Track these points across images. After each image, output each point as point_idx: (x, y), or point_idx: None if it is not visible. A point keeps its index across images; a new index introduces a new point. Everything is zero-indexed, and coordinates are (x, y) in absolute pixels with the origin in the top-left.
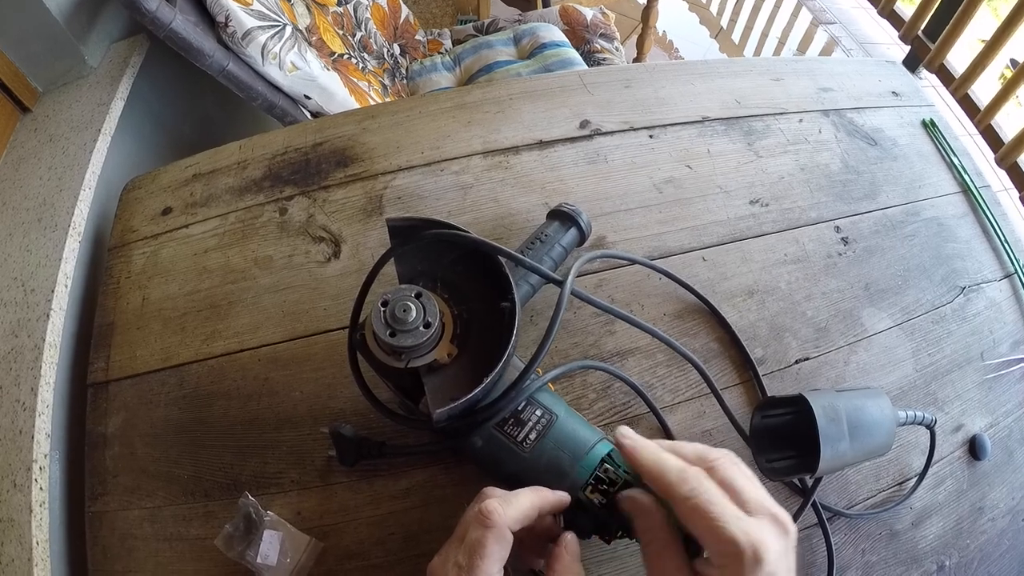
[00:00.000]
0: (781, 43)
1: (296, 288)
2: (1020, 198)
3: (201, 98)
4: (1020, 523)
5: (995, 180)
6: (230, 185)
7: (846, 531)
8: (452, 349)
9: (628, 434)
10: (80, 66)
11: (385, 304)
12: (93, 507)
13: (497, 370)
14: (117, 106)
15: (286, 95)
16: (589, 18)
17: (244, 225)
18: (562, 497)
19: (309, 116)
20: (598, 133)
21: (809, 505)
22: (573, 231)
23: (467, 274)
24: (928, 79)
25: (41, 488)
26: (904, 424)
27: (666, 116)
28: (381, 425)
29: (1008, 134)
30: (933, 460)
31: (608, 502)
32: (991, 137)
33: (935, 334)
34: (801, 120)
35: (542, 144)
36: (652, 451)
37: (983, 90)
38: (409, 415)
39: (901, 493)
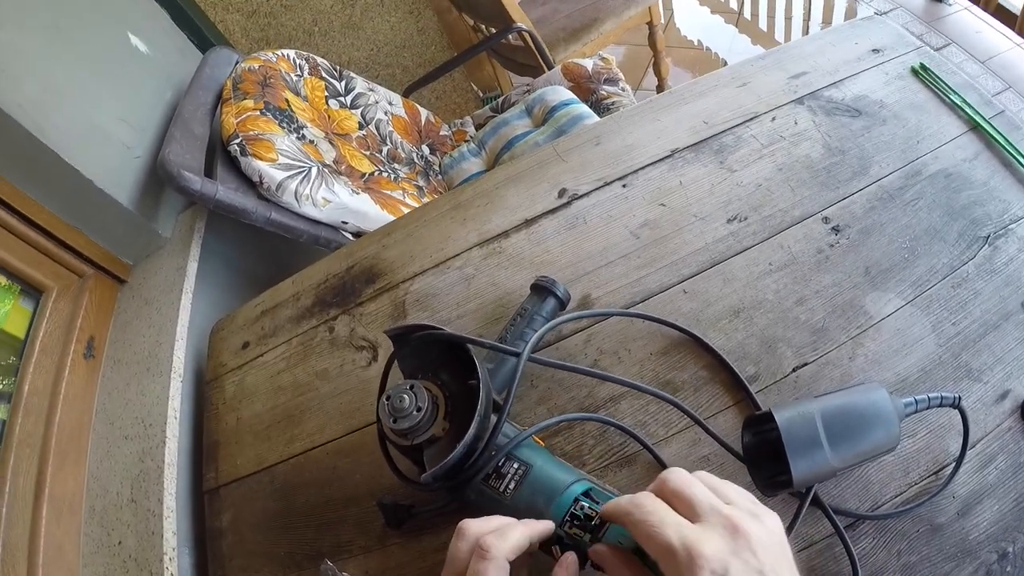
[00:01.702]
0: (805, 19)
1: (348, 391)
2: None
3: (261, 240)
4: None
5: None
6: (289, 315)
7: (875, 534)
8: (446, 425)
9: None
10: (156, 239)
11: (388, 398)
12: None
13: (467, 436)
14: (192, 267)
15: (326, 225)
16: (590, 68)
17: (304, 347)
18: (548, 526)
19: (351, 237)
20: (575, 197)
21: (811, 513)
22: (551, 300)
23: (453, 361)
24: (958, 2)
25: (172, 574)
26: (914, 412)
27: (635, 161)
28: (415, 494)
29: None
30: (975, 439)
31: (593, 536)
32: None
33: (958, 299)
34: (774, 118)
35: (527, 222)
36: (613, 500)
37: None
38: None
39: (938, 483)
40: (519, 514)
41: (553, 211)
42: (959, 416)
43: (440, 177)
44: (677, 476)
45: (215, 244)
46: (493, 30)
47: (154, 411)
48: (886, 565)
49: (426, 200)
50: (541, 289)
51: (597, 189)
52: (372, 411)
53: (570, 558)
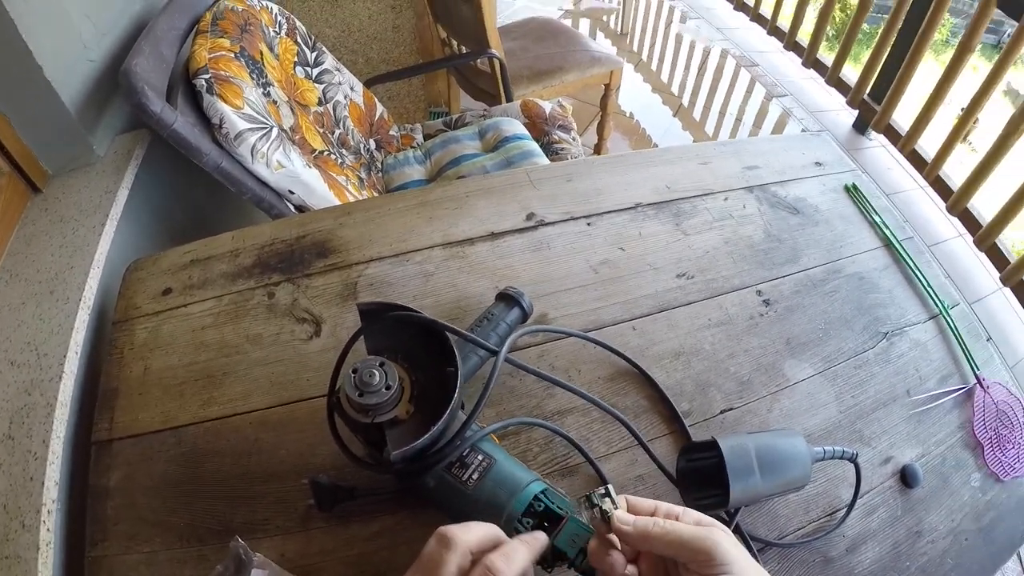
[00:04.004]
0: (738, 119)
1: (283, 362)
2: (973, 241)
3: (194, 188)
4: (964, 542)
5: (948, 228)
6: (224, 271)
7: (779, 560)
8: (410, 408)
9: (624, 519)
10: (88, 154)
11: (355, 371)
12: (93, 552)
13: (442, 421)
14: (122, 194)
15: (272, 190)
16: (548, 111)
17: (237, 306)
18: (545, 540)
19: (293, 209)
20: (542, 224)
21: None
22: (516, 310)
23: (423, 347)
24: (878, 139)
25: (48, 529)
26: (823, 459)
27: (602, 205)
28: (356, 477)
29: (956, 183)
30: (863, 491)
31: (547, 532)
32: (940, 187)
33: (858, 378)
34: (727, 198)
35: (494, 235)
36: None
37: (930, 143)
38: (377, 464)
39: (832, 523)
40: (479, 505)
41: (520, 231)
42: (853, 470)
43: (380, 175)
44: (667, 504)
45: (146, 179)
46: (464, 49)
47: (52, 340)
48: None
49: (365, 193)
50: (509, 298)
51: (563, 221)
52: (307, 386)
53: (540, 535)
